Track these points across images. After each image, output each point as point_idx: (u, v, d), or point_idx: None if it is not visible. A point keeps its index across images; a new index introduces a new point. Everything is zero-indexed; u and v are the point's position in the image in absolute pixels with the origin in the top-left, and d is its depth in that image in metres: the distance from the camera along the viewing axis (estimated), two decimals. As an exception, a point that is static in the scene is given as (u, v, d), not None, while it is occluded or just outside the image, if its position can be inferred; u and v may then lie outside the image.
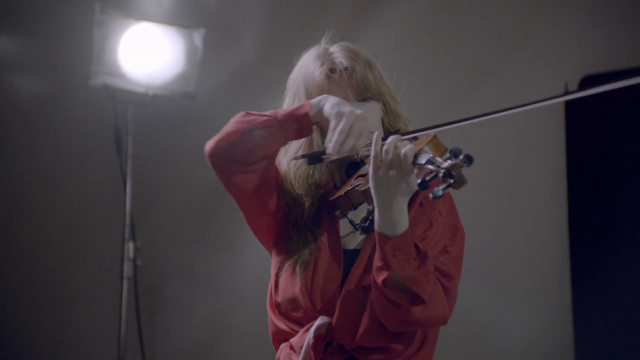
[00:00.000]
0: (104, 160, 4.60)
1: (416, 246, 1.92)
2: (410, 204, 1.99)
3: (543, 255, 4.32)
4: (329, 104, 1.96)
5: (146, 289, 4.64)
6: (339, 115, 1.92)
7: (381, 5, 4.52)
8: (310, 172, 2.09)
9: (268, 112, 2.02)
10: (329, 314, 2.01)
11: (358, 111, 1.94)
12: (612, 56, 4.17)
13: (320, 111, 1.97)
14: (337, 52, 2.11)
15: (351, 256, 2.04)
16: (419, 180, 1.76)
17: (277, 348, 2.12)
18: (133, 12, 4.34)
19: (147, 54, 4.28)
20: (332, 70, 2.08)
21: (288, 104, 2.13)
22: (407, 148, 1.84)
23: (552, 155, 4.29)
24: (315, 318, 2.02)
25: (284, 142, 2.03)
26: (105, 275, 4.66)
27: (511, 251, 4.39)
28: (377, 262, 1.91)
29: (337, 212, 2.04)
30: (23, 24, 4.69)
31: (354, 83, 2.06)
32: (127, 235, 4.31)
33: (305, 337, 2.01)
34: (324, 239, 2.05)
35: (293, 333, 2.06)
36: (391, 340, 2.00)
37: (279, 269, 2.10)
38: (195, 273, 4.69)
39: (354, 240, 2.07)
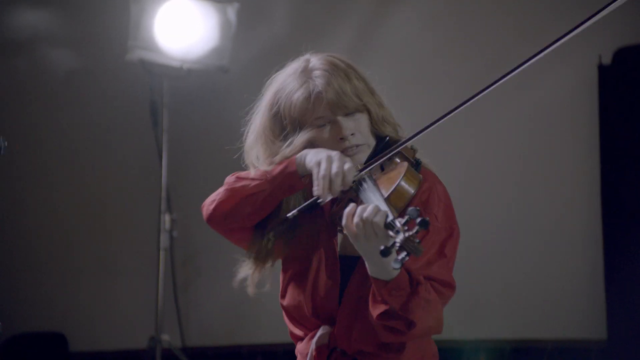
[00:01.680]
0: (140, 133, 4.66)
1: (409, 274, 1.95)
2: None
3: (576, 234, 4.33)
4: (308, 156, 2.02)
5: (182, 260, 4.71)
6: (317, 164, 1.98)
7: None
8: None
9: (257, 175, 2.08)
10: (331, 322, 2.08)
11: (332, 153, 1.99)
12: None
13: (303, 166, 2.03)
14: (316, 69, 2.11)
15: (350, 262, 2.08)
16: (382, 247, 1.78)
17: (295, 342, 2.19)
18: (168, -13, 4.38)
19: (182, 29, 4.33)
20: (309, 95, 2.08)
21: (263, 115, 2.16)
22: (376, 219, 1.85)
23: (585, 136, 4.29)
24: (318, 325, 2.09)
25: (278, 201, 2.09)
26: (142, 246, 4.74)
27: (544, 223, 4.40)
28: (373, 297, 1.96)
29: (334, 222, 2.08)
30: (61, -1, 4.75)
31: (332, 103, 2.06)
32: (163, 207, 4.38)
33: (310, 345, 2.08)
34: (322, 247, 2.11)
35: (301, 335, 2.14)
36: (386, 344, 2.05)
37: (285, 274, 2.17)
38: (229, 244, 4.74)
39: (353, 247, 2.06)
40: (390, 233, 1.82)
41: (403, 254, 1.76)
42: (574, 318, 4.31)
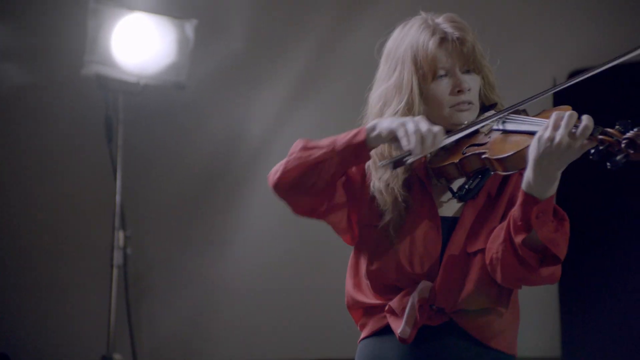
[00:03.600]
0: (95, 149, 4.61)
1: (555, 208, 1.97)
2: (508, 180, 2.10)
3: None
4: (384, 124, 2.01)
5: (135, 277, 4.66)
6: (402, 124, 1.98)
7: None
8: None
9: (325, 142, 2.06)
10: (429, 278, 2.07)
11: (415, 117, 2.01)
12: (600, 51, 4.20)
13: (377, 135, 2.02)
14: (445, 22, 2.13)
15: (449, 223, 2.09)
16: (592, 151, 1.85)
17: (357, 318, 2.18)
18: (126, 1, 4.36)
19: (139, 44, 4.30)
20: (444, 40, 2.11)
21: (387, 75, 2.17)
22: (586, 122, 1.87)
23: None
24: (414, 282, 2.07)
25: (345, 171, 2.09)
26: (95, 263, 4.68)
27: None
28: (516, 222, 1.95)
29: (442, 180, 2.10)
30: (16, 12, 4.70)
31: (463, 54, 2.10)
32: (117, 223, 4.34)
33: (407, 300, 2.06)
34: (416, 204, 2.10)
35: (380, 305, 2.11)
36: (493, 302, 2.07)
37: (371, 231, 2.13)
38: (183, 262, 4.71)
39: (450, 208, 2.12)
40: (605, 138, 1.85)
41: (622, 155, 1.82)
42: (528, 336, 4.32)
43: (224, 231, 4.66)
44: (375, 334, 2.13)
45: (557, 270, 2.01)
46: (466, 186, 2.07)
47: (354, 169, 2.14)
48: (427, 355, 2.07)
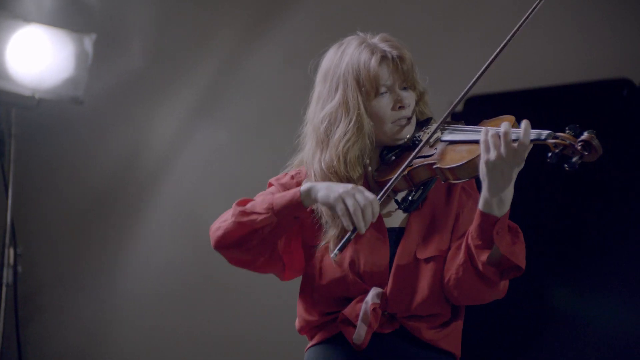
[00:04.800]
0: (-14, 163, 4.49)
1: (508, 223, 2.08)
2: (452, 191, 2.21)
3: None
4: (320, 193, 2.08)
5: (26, 295, 4.55)
6: (339, 199, 2.05)
7: (277, 11, 4.55)
8: (360, 156, 2.21)
9: (263, 207, 2.12)
10: (378, 286, 2.14)
11: (347, 186, 2.07)
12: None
13: (314, 200, 2.09)
14: (382, 42, 2.22)
15: (396, 233, 2.18)
16: (549, 154, 1.96)
17: (309, 335, 2.24)
18: (23, 13, 4.26)
19: (35, 57, 4.21)
20: (384, 58, 2.19)
21: (328, 95, 2.23)
22: (524, 132, 1.97)
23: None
24: (364, 291, 2.15)
25: (284, 233, 2.16)
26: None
27: None
28: (476, 241, 2.06)
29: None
30: None
31: (403, 72, 2.20)
32: (7, 240, 4.23)
33: (360, 306, 2.13)
34: None
35: (331, 317, 2.17)
36: (444, 307, 2.17)
37: (315, 251, 2.20)
38: (76, 280, 4.63)
39: (395, 219, 2.21)
40: (553, 141, 1.97)
41: (577, 156, 1.95)
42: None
43: (120, 248, 4.60)
44: (324, 341, 2.20)
45: (507, 283, 2.13)
46: (409, 197, 2.18)
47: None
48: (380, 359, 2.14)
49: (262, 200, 2.14)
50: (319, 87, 2.27)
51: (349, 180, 2.17)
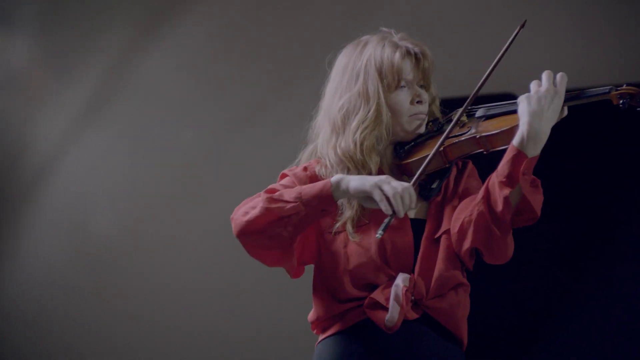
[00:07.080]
0: None
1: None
2: (460, 176, 2.30)
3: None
4: (353, 184, 2.12)
5: None
6: (376, 186, 2.09)
7: (170, 14, 4.49)
8: (377, 144, 2.27)
9: (292, 196, 2.14)
10: (404, 272, 2.20)
11: (382, 176, 2.12)
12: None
13: (345, 191, 2.12)
14: (403, 40, 2.30)
15: (419, 223, 2.25)
16: (621, 102, 2.11)
17: (323, 329, 2.26)
18: None
19: None
20: (408, 53, 2.28)
21: (348, 85, 2.28)
22: (561, 73, 2.12)
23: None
24: (390, 277, 2.19)
25: (312, 222, 2.18)
26: None
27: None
28: (501, 177, 2.11)
29: (404, 177, 2.25)
30: None
31: (424, 69, 2.29)
32: None
33: (389, 291, 2.17)
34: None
35: (353, 305, 2.20)
36: (459, 277, 2.22)
37: (330, 236, 2.24)
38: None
39: (416, 210, 2.27)
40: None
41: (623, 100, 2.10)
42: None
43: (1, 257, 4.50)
44: (340, 332, 2.21)
45: (512, 244, 2.17)
46: (429, 186, 2.25)
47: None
48: (403, 346, 2.18)
49: (291, 190, 2.17)
50: (337, 79, 2.32)
51: (364, 166, 2.22)
